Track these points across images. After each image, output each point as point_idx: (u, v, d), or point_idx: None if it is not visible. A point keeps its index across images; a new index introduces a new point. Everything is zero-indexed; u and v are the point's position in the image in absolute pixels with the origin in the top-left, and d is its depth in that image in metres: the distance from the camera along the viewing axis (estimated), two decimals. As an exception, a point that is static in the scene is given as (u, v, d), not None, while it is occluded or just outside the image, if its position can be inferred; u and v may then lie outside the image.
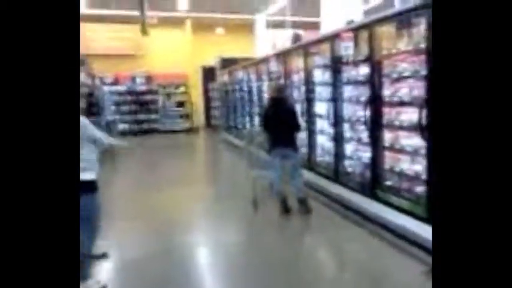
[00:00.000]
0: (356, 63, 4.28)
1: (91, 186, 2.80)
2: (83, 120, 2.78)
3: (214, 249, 3.69)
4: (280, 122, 4.32)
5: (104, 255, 3.38)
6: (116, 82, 13.48)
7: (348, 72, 4.50)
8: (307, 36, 8.54)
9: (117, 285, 2.98)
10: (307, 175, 5.07)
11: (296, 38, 8.44)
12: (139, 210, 4.97)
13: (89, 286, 2.81)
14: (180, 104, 14.02)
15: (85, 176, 2.72)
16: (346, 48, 4.36)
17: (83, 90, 7.38)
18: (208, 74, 13.87)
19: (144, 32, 10.70)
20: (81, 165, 2.66)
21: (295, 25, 11.19)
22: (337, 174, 4.72)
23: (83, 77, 8.35)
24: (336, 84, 4.66)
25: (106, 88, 12.53)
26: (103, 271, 3.19)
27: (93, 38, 12.86)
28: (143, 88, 13.72)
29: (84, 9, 11.12)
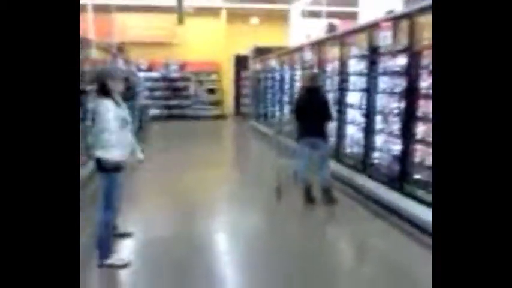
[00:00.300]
0: (394, 54, 4.17)
1: (101, 164, 2.86)
2: (104, 102, 2.84)
3: (234, 235, 3.72)
4: (312, 111, 4.28)
5: (129, 234, 3.49)
6: (150, 69, 13.79)
7: (385, 63, 4.39)
8: (341, 26, 8.38)
9: (140, 263, 3.06)
10: (334, 166, 5.02)
11: (331, 28, 8.30)
12: (166, 191, 5.11)
13: (112, 262, 2.93)
14: (211, 91, 14.18)
15: (105, 154, 2.81)
16: (385, 38, 4.25)
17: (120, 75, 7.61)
18: (241, 62, 13.90)
19: (180, 21, 10.86)
20: (103, 144, 2.81)
21: (331, 15, 10.99)
22: (364, 166, 4.65)
23: (120, 63, 8.62)
24: (371, 74, 4.56)
25: (141, 74, 12.87)
26: (127, 249, 3.29)
27: (130, 26, 13.17)
28: (176, 75, 13.96)
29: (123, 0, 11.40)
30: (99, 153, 2.86)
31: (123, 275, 2.89)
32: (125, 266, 2.94)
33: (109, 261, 2.92)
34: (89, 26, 8.60)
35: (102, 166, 2.87)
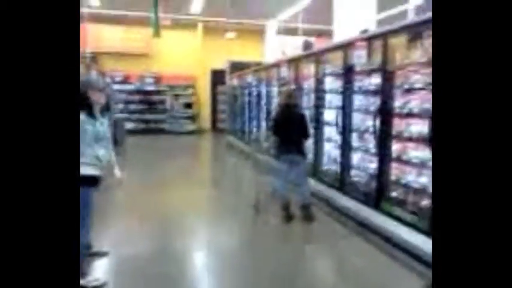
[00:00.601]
0: (368, 73, 4.26)
1: (84, 181, 2.71)
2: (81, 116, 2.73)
3: (212, 252, 3.66)
4: (290, 128, 4.30)
5: (104, 253, 3.36)
6: (125, 81, 13.57)
7: (359, 81, 4.48)
8: (317, 43, 8.55)
9: (116, 283, 2.96)
10: (312, 183, 5.03)
11: (307, 45, 8.46)
12: (141, 208, 4.96)
13: (88, 283, 2.81)
14: (188, 106, 14.06)
15: (81, 170, 2.69)
16: (359, 57, 4.35)
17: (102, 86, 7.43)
18: (217, 77, 13.92)
19: (156, 34, 10.79)
20: (81, 160, 2.65)
21: (306, 32, 11.22)
22: (342, 183, 4.68)
23: (93, 74, 8.42)
24: (346, 92, 4.64)
25: (116, 86, 12.63)
26: (102, 268, 3.17)
27: (105, 37, 12.96)
28: (152, 88, 13.78)
29: (98, 9, 11.24)
30: (84, 170, 2.72)
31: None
32: (100, 286, 2.81)
33: (83, 282, 2.78)
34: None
35: (83, 182, 2.73)
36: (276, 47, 12.68)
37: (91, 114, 2.81)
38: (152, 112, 13.79)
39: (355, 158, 4.63)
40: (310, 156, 5.32)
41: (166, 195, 5.69)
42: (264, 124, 8.19)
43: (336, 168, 4.94)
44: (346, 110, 4.65)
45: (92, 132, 2.77)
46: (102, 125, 2.90)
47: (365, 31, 4.61)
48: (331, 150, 5.26)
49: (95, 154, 2.79)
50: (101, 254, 3.33)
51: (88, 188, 2.78)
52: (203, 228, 4.36)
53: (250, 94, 9.51)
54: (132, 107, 13.54)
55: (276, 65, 7.45)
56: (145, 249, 3.59)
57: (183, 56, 14.05)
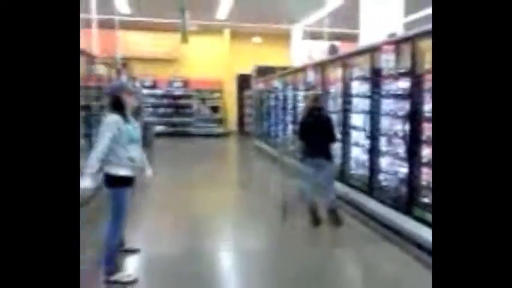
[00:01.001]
0: (396, 77, 4.23)
1: (115, 181, 2.89)
2: (109, 117, 2.89)
3: (239, 253, 3.73)
4: (317, 131, 4.33)
5: (135, 250, 3.50)
6: (154, 86, 13.95)
7: (388, 85, 4.45)
8: (343, 47, 8.52)
9: (146, 280, 3.07)
10: (339, 187, 5.02)
11: (333, 49, 8.47)
12: (171, 208, 5.10)
13: (120, 278, 2.93)
14: (214, 109, 14.29)
15: (113, 170, 2.86)
16: (387, 61, 4.33)
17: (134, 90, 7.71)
18: (244, 81, 14.08)
19: (184, 40, 11.05)
20: (111, 159, 2.85)
21: (332, 36, 11.19)
22: (371, 187, 4.65)
23: (124, 79, 8.72)
24: (374, 96, 4.62)
25: (145, 91, 13.06)
26: (134, 265, 3.30)
27: (135, 43, 13.39)
28: (179, 92, 14.11)
29: (129, 17, 11.64)
30: (107, 169, 2.89)
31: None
32: (131, 282, 2.93)
33: (116, 277, 2.91)
34: (93, 41, 8.75)
35: (110, 181, 2.90)
36: (302, 51, 12.70)
37: (124, 117, 2.94)
38: (180, 116, 14.11)
39: (384, 162, 4.59)
40: (337, 160, 5.32)
41: (194, 196, 5.82)
42: (290, 128, 8.22)
43: (364, 172, 4.92)
44: (374, 114, 4.63)
45: (126, 134, 2.90)
46: (134, 128, 3.03)
47: (393, 34, 4.58)
48: (358, 154, 5.24)
49: (128, 155, 2.91)
50: (132, 251, 3.47)
51: (122, 188, 2.92)
52: (231, 229, 4.44)
53: (276, 98, 9.57)
54: (161, 110, 13.90)
55: (302, 69, 7.48)
56: (174, 248, 3.70)
57: (210, 61, 14.30)
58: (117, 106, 2.92)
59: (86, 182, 2.77)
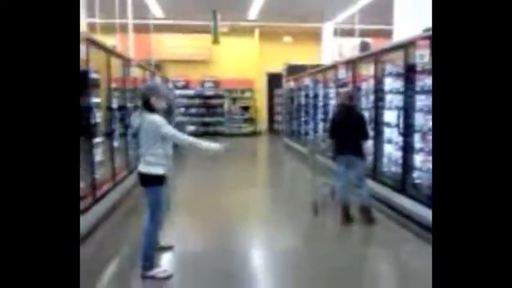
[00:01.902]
0: (431, 72, 4.12)
1: (156, 180, 2.98)
2: (153, 117, 2.95)
3: (270, 252, 3.73)
4: (348, 129, 4.29)
5: (169, 247, 3.59)
6: (186, 86, 14.27)
7: (422, 81, 4.34)
8: (375, 44, 8.35)
9: (180, 276, 3.14)
10: (372, 185, 4.95)
11: (364, 46, 8.32)
12: (202, 206, 5.22)
13: (156, 274, 3.01)
14: (245, 109, 14.42)
15: (151, 169, 2.95)
16: (422, 56, 4.22)
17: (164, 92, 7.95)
18: (274, 80, 14.10)
19: (215, 41, 11.23)
20: (149, 159, 2.95)
21: (363, 33, 10.99)
22: (404, 185, 4.55)
23: (158, 80, 9.00)
24: (407, 92, 4.52)
25: (178, 92, 13.40)
26: (168, 261, 3.39)
27: (168, 45, 13.74)
28: (211, 92, 14.34)
29: (162, 20, 11.98)
30: (147, 168, 2.97)
31: (165, 286, 2.98)
32: (167, 278, 3.02)
33: (152, 273, 3.01)
34: (129, 45, 9.08)
35: (148, 180, 2.98)
36: (333, 49, 12.56)
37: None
38: (211, 115, 14.34)
39: (418, 159, 4.48)
40: (370, 157, 5.24)
41: (225, 194, 5.92)
42: (321, 126, 8.17)
43: (397, 169, 4.82)
44: (407, 110, 4.53)
45: (153, 131, 2.96)
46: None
47: (428, 29, 4.46)
48: (391, 151, 5.14)
49: (165, 153, 3.01)
50: (167, 248, 3.57)
51: (159, 186, 3.02)
52: (262, 227, 4.49)
53: (306, 96, 9.54)
54: (193, 110, 14.19)
55: (333, 67, 7.41)
56: (206, 246, 3.77)
57: (241, 61, 14.43)
58: (149, 107, 2.99)
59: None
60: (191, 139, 3.12)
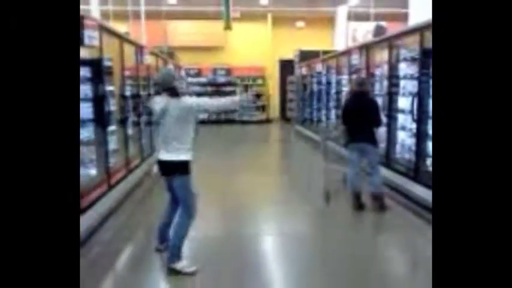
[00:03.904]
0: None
1: (187, 167, 2.85)
2: (184, 100, 2.83)
3: (282, 238, 3.75)
4: (361, 115, 4.24)
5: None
6: (199, 73, 14.27)
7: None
8: (390, 28, 8.16)
9: (191, 260, 3.10)
10: (385, 172, 4.91)
11: (379, 30, 8.14)
12: (215, 193, 5.26)
13: (182, 268, 2.86)
14: (257, 96, 14.36)
15: (182, 156, 2.82)
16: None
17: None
18: (286, 66, 13.98)
19: (227, 27, 11.13)
20: (179, 145, 2.82)
21: (378, 17, 10.76)
22: (417, 172, 4.51)
23: (171, 68, 9.03)
24: (422, 78, 4.43)
25: (190, 79, 13.43)
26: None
27: (180, 32, 13.71)
28: (223, 80, 14.32)
29: (174, 6, 11.92)
30: (177, 156, 2.81)
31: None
32: (191, 273, 2.85)
33: (179, 266, 2.86)
34: (142, 32, 9.10)
35: (180, 168, 2.82)
36: (346, 34, 12.35)
37: None
38: (223, 103, 14.35)
39: (431, 146, 4.41)
40: (383, 144, 5.19)
41: (238, 181, 5.96)
42: (333, 112, 8.11)
43: (410, 157, 4.77)
44: (422, 96, 4.45)
45: (186, 115, 2.84)
46: None
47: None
48: (404, 138, 5.08)
49: (192, 137, 2.90)
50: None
51: (190, 174, 2.88)
52: (273, 213, 4.52)
53: (319, 83, 9.45)
54: (205, 98, 14.23)
55: (347, 53, 7.30)
56: (218, 230, 3.83)
57: (253, 47, 14.33)
58: (175, 93, 2.84)
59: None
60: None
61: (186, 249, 3.33)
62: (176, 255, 2.88)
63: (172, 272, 2.86)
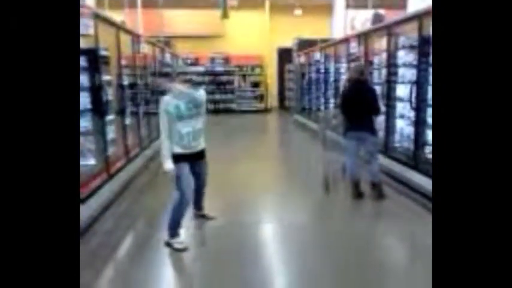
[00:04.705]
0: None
1: (204, 153, 3.39)
2: (203, 94, 3.35)
3: (280, 226, 3.78)
4: (359, 104, 4.23)
5: (213, 218, 3.75)
6: (196, 63, 14.16)
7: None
8: (389, 15, 8.11)
9: (195, 246, 3.26)
10: (383, 161, 4.93)
11: (377, 17, 8.08)
12: (214, 182, 5.24)
13: (172, 243, 3.12)
14: (255, 85, 14.31)
15: (202, 145, 3.33)
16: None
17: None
18: (284, 55, 13.90)
19: (224, 15, 11.02)
20: (202, 134, 3.30)
21: (377, 4, 10.67)
22: (415, 160, 4.53)
23: (168, 58, 8.95)
24: (421, 66, 4.41)
25: (187, 68, 13.31)
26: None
27: (177, 20, 13.57)
28: (221, 69, 14.22)
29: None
30: (204, 144, 3.36)
31: (179, 258, 3.07)
32: (181, 250, 3.10)
33: (171, 241, 3.14)
34: (138, 21, 9.00)
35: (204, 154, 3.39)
36: (344, 22, 12.25)
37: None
38: (221, 92, 14.28)
39: (430, 134, 4.42)
40: (381, 133, 5.19)
41: (238, 170, 5.96)
42: (332, 101, 8.09)
43: (408, 145, 4.78)
44: (420, 84, 4.44)
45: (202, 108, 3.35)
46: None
47: (444, -1, 4.30)
48: (403, 126, 5.08)
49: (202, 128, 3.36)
50: (209, 218, 3.75)
51: (204, 159, 3.47)
52: (273, 202, 4.53)
53: (317, 71, 9.40)
54: (203, 88, 14.15)
55: (345, 41, 7.25)
56: (218, 221, 3.83)
57: (251, 36, 14.21)
58: (194, 83, 3.40)
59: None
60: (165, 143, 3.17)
61: (188, 237, 3.35)
62: (174, 231, 3.18)
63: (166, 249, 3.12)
